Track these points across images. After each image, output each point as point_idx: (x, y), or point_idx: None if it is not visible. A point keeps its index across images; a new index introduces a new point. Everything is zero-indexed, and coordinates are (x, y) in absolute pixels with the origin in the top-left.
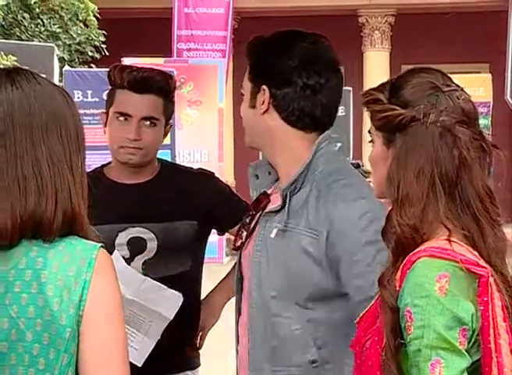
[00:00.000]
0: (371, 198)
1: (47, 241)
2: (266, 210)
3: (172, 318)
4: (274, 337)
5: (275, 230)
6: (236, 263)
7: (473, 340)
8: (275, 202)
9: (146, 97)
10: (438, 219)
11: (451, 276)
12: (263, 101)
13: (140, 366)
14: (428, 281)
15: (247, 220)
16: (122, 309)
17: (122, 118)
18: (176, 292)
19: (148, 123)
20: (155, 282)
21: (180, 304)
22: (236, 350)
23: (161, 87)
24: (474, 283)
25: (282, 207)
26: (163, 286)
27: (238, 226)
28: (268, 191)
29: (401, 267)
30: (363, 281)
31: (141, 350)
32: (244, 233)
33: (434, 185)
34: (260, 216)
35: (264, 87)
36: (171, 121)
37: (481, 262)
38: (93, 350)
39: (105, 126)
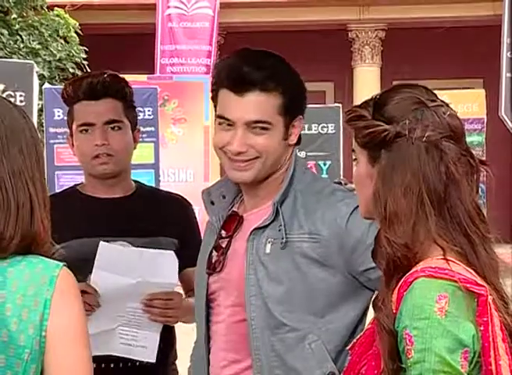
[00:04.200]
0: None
1: (2, 257)
2: (254, 227)
3: (177, 280)
4: (286, 355)
5: (269, 245)
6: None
7: (474, 362)
8: (254, 220)
9: (103, 101)
10: (429, 238)
11: (450, 296)
12: (298, 131)
13: (154, 361)
14: (428, 302)
15: (222, 244)
16: (86, 328)
17: (85, 130)
18: (167, 251)
19: (112, 126)
20: (149, 249)
21: (177, 261)
22: (208, 371)
23: (117, 90)
24: (474, 302)
25: (272, 221)
26: (156, 250)
27: (210, 250)
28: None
29: (397, 289)
30: None
31: (149, 346)
32: (222, 256)
33: (422, 202)
34: (231, 237)
35: (300, 116)
36: (147, 129)
37: (479, 281)
38: (58, 372)
39: (72, 146)
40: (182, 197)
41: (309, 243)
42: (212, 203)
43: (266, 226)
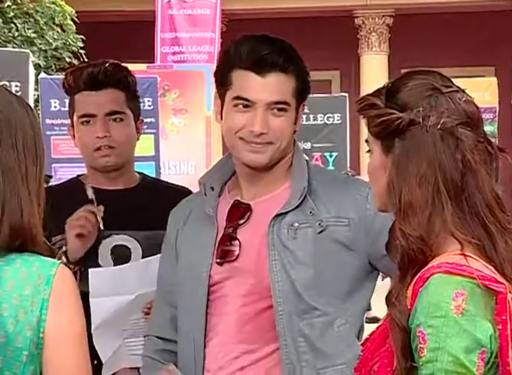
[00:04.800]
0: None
1: None
2: (277, 213)
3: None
4: (316, 340)
5: (294, 230)
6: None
7: (491, 362)
8: (268, 207)
9: (105, 92)
10: (446, 230)
11: (468, 294)
12: (300, 117)
13: None
14: (444, 300)
15: (230, 233)
16: (85, 327)
17: (87, 121)
18: (156, 256)
19: (114, 118)
20: (142, 260)
21: None
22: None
23: (119, 79)
24: (492, 300)
25: (298, 205)
26: (148, 258)
27: (213, 241)
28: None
29: (412, 285)
30: None
31: None
32: (233, 244)
33: (439, 192)
34: (236, 226)
35: (304, 103)
36: (147, 120)
37: (499, 278)
38: (57, 372)
39: (74, 137)
40: (187, 189)
41: (338, 226)
42: (206, 195)
43: (289, 212)
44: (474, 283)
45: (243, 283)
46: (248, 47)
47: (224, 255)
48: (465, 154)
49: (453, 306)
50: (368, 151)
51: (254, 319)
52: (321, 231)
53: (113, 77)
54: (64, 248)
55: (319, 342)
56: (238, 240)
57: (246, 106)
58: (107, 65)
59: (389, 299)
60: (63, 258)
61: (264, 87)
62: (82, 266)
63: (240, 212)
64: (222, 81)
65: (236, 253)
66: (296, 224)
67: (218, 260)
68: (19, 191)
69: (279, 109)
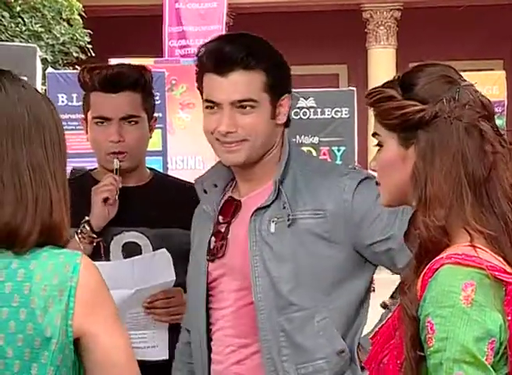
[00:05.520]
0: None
1: (21, 251)
2: (256, 207)
3: (174, 277)
4: (295, 335)
5: (273, 225)
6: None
7: (500, 353)
8: (254, 202)
9: (121, 95)
10: (463, 221)
11: (477, 284)
12: (286, 110)
13: (167, 358)
14: (453, 290)
15: (221, 230)
16: (117, 310)
17: (101, 122)
18: (157, 251)
19: (129, 121)
20: (139, 256)
21: (170, 257)
22: (209, 359)
23: (135, 81)
24: (502, 291)
25: (274, 200)
26: (147, 254)
27: (209, 237)
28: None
29: (422, 275)
30: (391, 229)
31: (160, 344)
32: (223, 241)
33: (461, 184)
34: (229, 222)
35: (287, 95)
36: (155, 115)
37: (508, 269)
38: (99, 360)
39: (87, 132)
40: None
41: (314, 219)
42: (205, 192)
43: (268, 206)
44: (483, 273)
45: (234, 279)
46: (209, 49)
47: (213, 252)
48: (487, 146)
49: (462, 297)
50: (378, 144)
51: (247, 314)
52: (289, 225)
53: (130, 80)
54: (86, 218)
55: (299, 337)
56: (226, 236)
57: (213, 107)
58: (124, 67)
59: (401, 288)
60: (86, 227)
61: (227, 86)
62: (102, 238)
63: (231, 208)
64: (199, 87)
65: (224, 250)
66: (275, 219)
67: (207, 257)
68: (49, 188)
69: (247, 107)
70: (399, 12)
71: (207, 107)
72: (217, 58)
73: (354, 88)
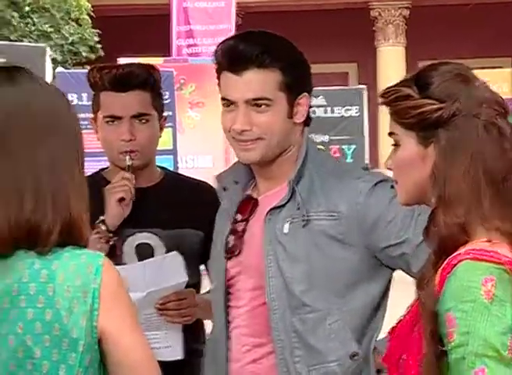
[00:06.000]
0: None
1: (44, 250)
2: (271, 207)
3: (187, 278)
4: (308, 336)
5: (287, 225)
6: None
7: None
8: (270, 201)
9: (131, 94)
10: (482, 218)
11: (497, 279)
12: (304, 109)
13: (182, 358)
14: (473, 285)
15: (238, 228)
16: (136, 310)
17: (112, 121)
18: (169, 253)
19: (140, 120)
20: (151, 259)
21: (182, 259)
22: (227, 357)
23: (144, 80)
24: None
25: (288, 200)
26: (158, 256)
27: (226, 235)
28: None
29: (440, 271)
30: (406, 233)
31: (174, 344)
32: (240, 239)
33: (480, 181)
34: (246, 221)
35: (305, 94)
36: (165, 114)
37: None
38: (121, 360)
39: (97, 132)
40: (209, 184)
41: (328, 221)
42: (225, 189)
43: (283, 206)
44: (501, 269)
45: (249, 277)
46: (225, 47)
47: (229, 250)
48: (506, 144)
49: (482, 291)
50: (394, 144)
51: (261, 314)
52: (304, 225)
53: (140, 79)
54: (102, 218)
55: (311, 338)
56: (243, 235)
57: (229, 106)
58: (133, 67)
59: (419, 283)
60: (102, 226)
61: (241, 85)
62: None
63: (249, 206)
64: (218, 85)
65: (240, 248)
66: (289, 219)
67: (224, 255)
68: (67, 186)
69: (261, 105)
70: (407, 11)
71: (223, 105)
72: (231, 57)
73: (364, 86)
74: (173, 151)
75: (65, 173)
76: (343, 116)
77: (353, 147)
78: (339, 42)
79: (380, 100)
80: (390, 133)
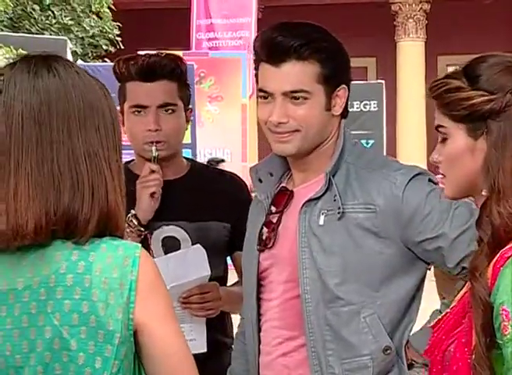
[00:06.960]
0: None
1: (81, 240)
2: (307, 199)
3: (209, 271)
4: (341, 329)
5: (322, 217)
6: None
7: None
8: (306, 193)
9: (158, 84)
10: None
11: None
12: (342, 101)
13: (205, 351)
14: None
15: (273, 220)
16: (171, 300)
17: (138, 111)
18: (192, 247)
19: (166, 110)
20: (174, 253)
21: (205, 252)
22: (259, 350)
23: (171, 70)
24: None
25: (325, 192)
26: (181, 250)
27: (260, 227)
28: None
29: (493, 263)
30: (442, 227)
31: (198, 337)
32: (273, 232)
33: None
34: (281, 213)
35: (344, 86)
36: (190, 106)
37: None
38: (157, 351)
39: (123, 124)
40: (238, 176)
41: (365, 213)
42: (260, 181)
43: (319, 198)
44: None
45: (282, 269)
46: (264, 38)
47: (263, 242)
48: None
49: None
50: (443, 139)
51: (293, 307)
52: (339, 218)
53: (167, 68)
54: (133, 211)
55: (344, 332)
56: (277, 227)
57: (267, 97)
58: (160, 56)
59: (473, 274)
60: (134, 221)
61: (279, 77)
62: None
63: (284, 198)
64: (256, 76)
65: (273, 240)
66: (325, 211)
67: (257, 247)
68: (105, 176)
69: (300, 98)
70: (428, 5)
71: (260, 97)
72: (270, 48)
73: (383, 81)
74: (192, 145)
75: (104, 163)
76: (361, 110)
77: (372, 141)
78: (359, 37)
79: (428, 93)
80: (438, 127)
